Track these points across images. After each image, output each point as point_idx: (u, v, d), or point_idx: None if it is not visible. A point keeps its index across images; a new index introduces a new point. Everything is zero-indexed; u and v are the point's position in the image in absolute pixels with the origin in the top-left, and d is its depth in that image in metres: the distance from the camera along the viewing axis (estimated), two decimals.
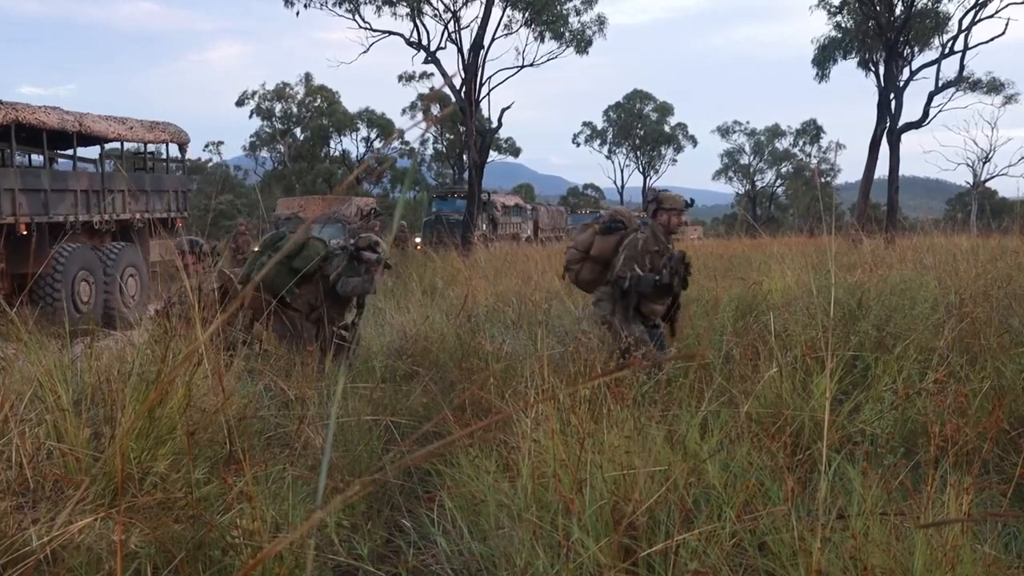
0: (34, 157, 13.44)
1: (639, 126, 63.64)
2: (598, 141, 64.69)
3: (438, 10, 27.65)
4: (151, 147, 15.89)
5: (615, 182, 64.88)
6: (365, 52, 28.04)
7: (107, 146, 15.35)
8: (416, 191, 44.78)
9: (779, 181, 64.94)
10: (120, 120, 14.37)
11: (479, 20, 26.60)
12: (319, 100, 51.56)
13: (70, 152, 14.02)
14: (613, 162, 65.16)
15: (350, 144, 52.60)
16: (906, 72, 28.05)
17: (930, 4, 27.47)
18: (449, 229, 23.52)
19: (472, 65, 26.69)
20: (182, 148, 16.46)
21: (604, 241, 6.55)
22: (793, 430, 4.13)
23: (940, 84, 27.79)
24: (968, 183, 48.45)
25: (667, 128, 63.95)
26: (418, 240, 26.92)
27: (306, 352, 5.78)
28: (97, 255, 13.47)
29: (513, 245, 22.16)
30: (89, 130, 13.31)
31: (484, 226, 27.33)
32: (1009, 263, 8.87)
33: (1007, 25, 26.71)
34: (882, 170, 27.92)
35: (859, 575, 2.82)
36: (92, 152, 14.88)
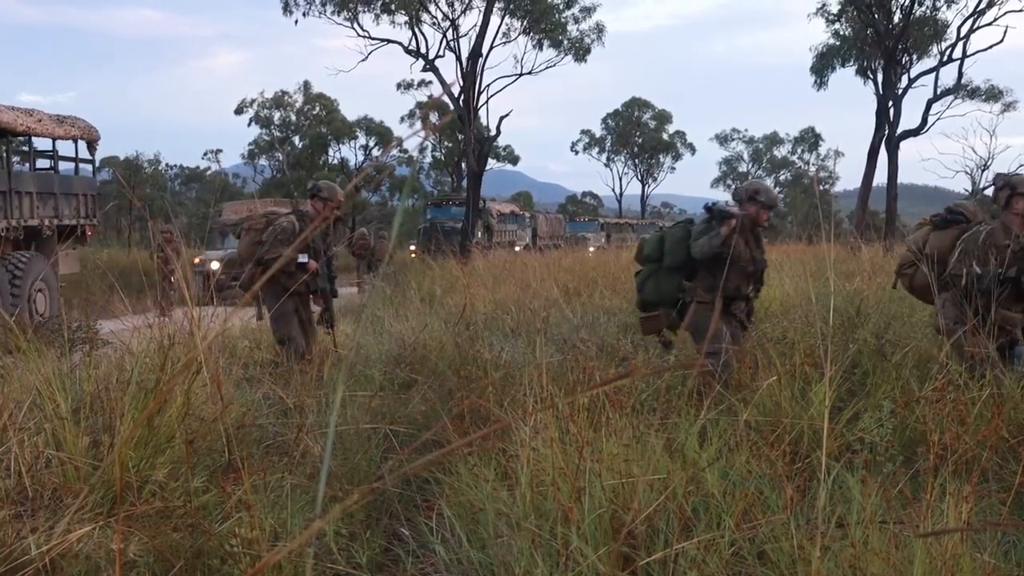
0: None
1: (637, 134, 63.75)
2: (596, 149, 64.83)
3: (436, 18, 27.75)
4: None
5: (613, 190, 64.99)
6: (364, 60, 28.15)
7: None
8: (415, 199, 44.83)
9: (777, 189, 65.01)
10: (27, 112, 12.85)
11: (477, 28, 26.71)
12: (318, 108, 51.60)
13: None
14: (611, 170, 65.34)
15: (349, 152, 52.61)
16: (904, 80, 28.14)
17: (928, 12, 27.57)
18: (444, 236, 23.51)
19: (471, 73, 26.77)
20: (91, 146, 14.49)
21: (940, 237, 5.63)
22: (792, 438, 4.13)
23: (939, 92, 27.88)
24: (967, 191, 48.50)
25: (665, 136, 64.08)
26: (412, 247, 26.92)
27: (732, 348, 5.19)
28: (3, 267, 11.79)
29: (510, 253, 22.11)
30: None
31: (480, 233, 27.34)
32: None
33: (1005, 33, 26.85)
34: (881, 178, 28.02)
35: None
36: None
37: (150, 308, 6.90)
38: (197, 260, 17.02)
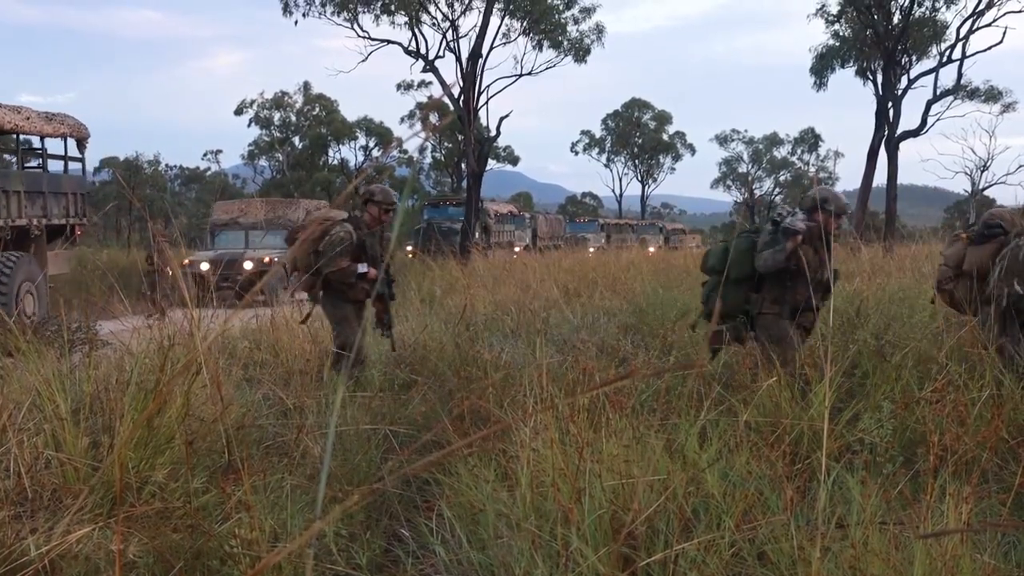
0: None
1: (637, 135, 63.72)
2: (596, 150, 64.74)
3: (436, 19, 27.74)
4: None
5: (613, 190, 64.97)
6: (364, 61, 28.12)
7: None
8: (415, 199, 44.86)
9: (777, 189, 65.03)
10: (15, 109, 12.49)
11: (477, 29, 26.69)
12: (317, 109, 51.60)
13: None
14: (611, 171, 65.24)
15: (349, 153, 52.60)
16: (904, 80, 28.15)
17: (928, 13, 27.58)
18: (442, 236, 23.43)
19: (470, 74, 26.76)
20: (81, 143, 14.07)
21: (977, 252, 5.53)
22: (792, 439, 4.13)
23: (938, 92, 27.88)
24: (966, 191, 48.54)
25: (665, 136, 64.04)
26: (410, 248, 26.90)
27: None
28: None
29: (510, 254, 22.04)
30: None
31: (477, 234, 27.28)
32: None
33: (1004, 33, 26.83)
34: (880, 178, 28.02)
35: None
36: None
37: (149, 308, 6.89)
38: (187, 261, 16.55)
